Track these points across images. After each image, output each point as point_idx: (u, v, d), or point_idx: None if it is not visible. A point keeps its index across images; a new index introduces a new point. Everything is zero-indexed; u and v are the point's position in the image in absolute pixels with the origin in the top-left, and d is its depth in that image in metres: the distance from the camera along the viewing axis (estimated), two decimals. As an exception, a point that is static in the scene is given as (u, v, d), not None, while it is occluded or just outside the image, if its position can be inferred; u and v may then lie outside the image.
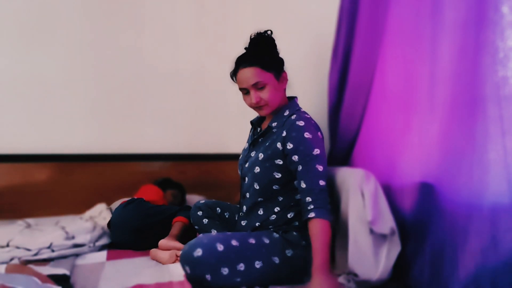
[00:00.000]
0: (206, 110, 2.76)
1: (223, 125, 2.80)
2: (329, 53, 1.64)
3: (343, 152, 1.51)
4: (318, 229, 1.12)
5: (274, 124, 1.30)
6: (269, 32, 1.29)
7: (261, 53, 1.26)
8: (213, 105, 2.78)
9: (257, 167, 1.28)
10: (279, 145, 1.24)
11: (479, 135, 0.98)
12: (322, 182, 1.16)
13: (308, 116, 1.28)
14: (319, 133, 1.25)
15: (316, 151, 1.18)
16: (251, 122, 1.48)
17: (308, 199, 1.16)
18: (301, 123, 1.22)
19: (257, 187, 1.29)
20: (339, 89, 1.55)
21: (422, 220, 1.16)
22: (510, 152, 0.92)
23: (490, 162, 0.96)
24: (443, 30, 1.11)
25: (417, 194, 1.19)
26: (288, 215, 1.29)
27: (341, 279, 1.19)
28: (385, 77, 1.36)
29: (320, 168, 1.18)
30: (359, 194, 1.24)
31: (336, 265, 1.29)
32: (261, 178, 1.27)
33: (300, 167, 1.19)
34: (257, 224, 1.32)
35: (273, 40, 1.30)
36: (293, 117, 1.26)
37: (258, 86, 1.25)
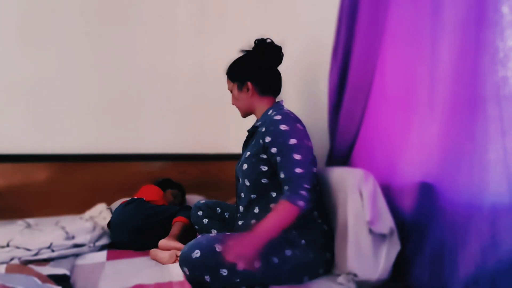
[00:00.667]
0: (206, 110, 2.76)
1: (223, 125, 2.80)
2: (329, 53, 1.64)
3: (343, 152, 1.51)
4: (280, 207, 1.11)
5: (258, 124, 1.36)
6: (249, 48, 1.44)
7: (232, 65, 1.46)
8: (213, 105, 2.78)
9: (245, 165, 1.32)
10: (261, 141, 1.28)
11: (479, 135, 0.98)
12: (298, 170, 1.15)
13: (287, 111, 1.31)
14: (298, 125, 1.26)
15: (293, 141, 1.20)
16: (248, 131, 1.50)
17: (286, 187, 1.16)
18: (278, 117, 1.26)
19: (248, 184, 1.31)
20: (339, 89, 1.55)
21: (422, 220, 1.16)
22: (510, 152, 0.92)
23: (490, 162, 0.96)
24: (443, 30, 1.11)
25: (417, 194, 1.19)
26: None
27: (341, 279, 1.19)
28: (385, 77, 1.36)
29: (298, 157, 1.17)
30: (358, 194, 1.24)
31: (336, 265, 1.29)
32: (249, 173, 1.30)
33: (278, 158, 1.21)
34: (252, 221, 1.32)
35: (248, 54, 1.44)
36: (272, 113, 1.31)
37: (230, 91, 1.47)
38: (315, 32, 1.87)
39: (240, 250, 1.01)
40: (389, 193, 1.30)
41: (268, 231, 1.08)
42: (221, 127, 2.80)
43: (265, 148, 1.26)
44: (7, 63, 2.29)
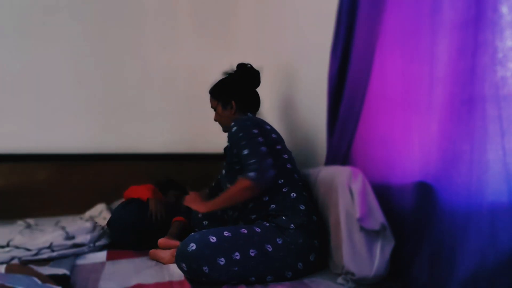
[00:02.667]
0: (206, 110, 2.76)
1: (223, 125, 2.80)
2: (328, 52, 1.64)
3: (341, 151, 1.51)
4: (234, 184, 1.30)
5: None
6: (231, 71, 1.64)
7: (216, 86, 1.64)
8: (213, 105, 2.78)
9: (223, 171, 1.51)
10: (233, 149, 1.41)
11: (478, 135, 0.98)
12: (250, 160, 1.30)
13: (240, 118, 1.47)
14: (247, 122, 1.41)
15: (240, 135, 1.37)
16: None
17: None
18: (232, 123, 1.44)
19: (229, 186, 1.41)
20: (338, 88, 1.55)
21: (421, 220, 1.17)
22: (509, 152, 0.92)
23: (489, 161, 0.96)
24: (442, 29, 1.11)
25: (416, 193, 1.19)
26: (264, 199, 1.34)
27: (341, 280, 1.19)
28: (384, 76, 1.36)
29: (246, 151, 1.32)
30: (348, 192, 1.25)
31: (333, 265, 1.29)
32: (228, 177, 1.45)
33: (238, 152, 1.36)
34: (236, 214, 1.42)
35: (231, 77, 1.63)
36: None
37: (213, 109, 1.66)
38: (315, 30, 1.87)
39: (193, 205, 1.38)
40: (387, 192, 1.30)
41: (218, 203, 1.34)
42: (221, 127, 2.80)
43: (233, 153, 1.41)
44: (7, 62, 2.30)
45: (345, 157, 1.51)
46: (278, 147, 1.43)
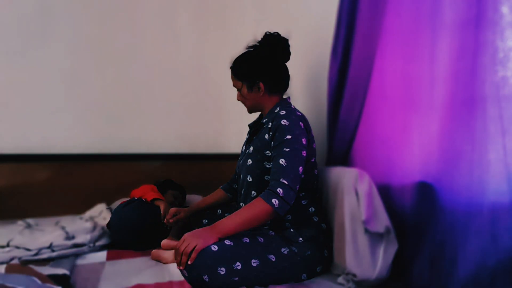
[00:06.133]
0: (206, 110, 2.77)
1: (222, 125, 2.80)
2: (329, 52, 1.64)
3: (342, 151, 1.51)
4: (251, 205, 1.15)
5: (264, 121, 1.36)
6: (255, 43, 1.39)
7: (238, 63, 1.38)
8: (213, 105, 2.79)
9: (249, 160, 1.33)
10: (266, 136, 1.29)
11: (479, 135, 0.98)
12: (283, 180, 1.16)
13: (293, 108, 1.33)
14: (300, 123, 1.26)
15: (288, 137, 1.21)
16: (249, 125, 1.51)
17: (269, 186, 1.19)
18: (282, 112, 1.28)
19: (250, 179, 1.32)
20: (338, 89, 1.55)
21: (421, 220, 1.16)
22: (509, 151, 0.92)
23: (490, 161, 0.96)
24: (442, 29, 1.11)
25: (416, 193, 1.19)
26: None
27: (341, 280, 1.19)
28: (385, 76, 1.36)
29: (283, 162, 1.19)
30: (354, 194, 1.25)
31: (334, 265, 1.29)
32: (253, 169, 1.30)
33: (274, 153, 1.24)
34: None
35: (256, 50, 1.38)
36: (279, 110, 1.32)
37: (237, 89, 1.41)
38: (315, 31, 1.87)
39: (200, 241, 1.08)
40: (388, 192, 1.30)
41: (230, 226, 1.13)
42: (221, 127, 2.81)
43: (270, 143, 1.27)
44: (7, 62, 2.29)
45: (345, 158, 1.50)
46: (313, 160, 1.32)
